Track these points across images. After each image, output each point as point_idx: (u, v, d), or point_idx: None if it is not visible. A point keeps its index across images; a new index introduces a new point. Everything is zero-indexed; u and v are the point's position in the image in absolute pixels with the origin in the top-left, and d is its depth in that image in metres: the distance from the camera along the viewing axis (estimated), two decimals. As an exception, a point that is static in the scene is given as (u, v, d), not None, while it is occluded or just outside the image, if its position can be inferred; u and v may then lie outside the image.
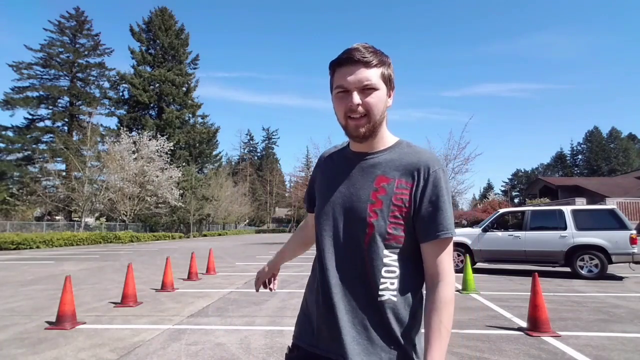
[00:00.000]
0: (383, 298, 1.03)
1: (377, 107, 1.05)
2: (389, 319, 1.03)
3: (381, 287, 1.03)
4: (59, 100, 43.29)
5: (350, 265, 1.06)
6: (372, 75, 1.04)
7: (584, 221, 9.24)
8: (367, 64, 1.03)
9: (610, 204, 15.51)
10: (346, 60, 1.04)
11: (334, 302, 1.04)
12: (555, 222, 9.42)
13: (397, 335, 1.03)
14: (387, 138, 1.14)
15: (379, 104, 1.06)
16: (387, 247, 1.04)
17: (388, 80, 1.08)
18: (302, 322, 1.17)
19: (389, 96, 1.10)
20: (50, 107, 42.96)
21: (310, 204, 1.28)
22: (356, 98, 1.03)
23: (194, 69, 50.65)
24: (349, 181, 1.11)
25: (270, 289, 1.55)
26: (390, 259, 1.04)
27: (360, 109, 1.03)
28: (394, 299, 1.03)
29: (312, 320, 1.12)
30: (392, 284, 1.04)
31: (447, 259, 1.05)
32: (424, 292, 1.08)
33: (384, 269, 1.04)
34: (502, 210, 10.78)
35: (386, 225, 1.04)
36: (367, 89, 1.04)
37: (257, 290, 1.56)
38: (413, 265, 1.07)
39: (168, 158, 34.78)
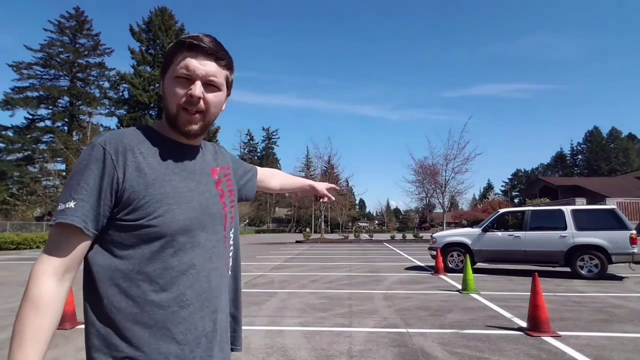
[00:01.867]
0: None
1: (216, 108, 0.99)
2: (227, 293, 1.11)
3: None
4: (59, 100, 43.36)
5: (218, 258, 1.03)
6: (220, 74, 0.97)
7: (584, 221, 9.23)
8: (219, 61, 0.97)
9: (610, 204, 15.51)
10: (198, 48, 0.93)
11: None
12: (555, 222, 9.41)
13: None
14: None
15: (218, 105, 1.00)
16: (233, 229, 1.11)
17: (229, 86, 1.04)
18: None
19: (225, 101, 1.04)
20: (50, 107, 43.03)
21: (97, 219, 0.91)
22: (199, 89, 0.93)
23: (194, 69, 50.66)
24: (194, 177, 0.99)
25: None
26: (232, 239, 1.12)
27: (200, 103, 0.95)
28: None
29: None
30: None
31: None
32: None
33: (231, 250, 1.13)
34: (502, 210, 10.76)
35: (233, 211, 1.10)
36: (210, 85, 0.96)
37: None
38: None
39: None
